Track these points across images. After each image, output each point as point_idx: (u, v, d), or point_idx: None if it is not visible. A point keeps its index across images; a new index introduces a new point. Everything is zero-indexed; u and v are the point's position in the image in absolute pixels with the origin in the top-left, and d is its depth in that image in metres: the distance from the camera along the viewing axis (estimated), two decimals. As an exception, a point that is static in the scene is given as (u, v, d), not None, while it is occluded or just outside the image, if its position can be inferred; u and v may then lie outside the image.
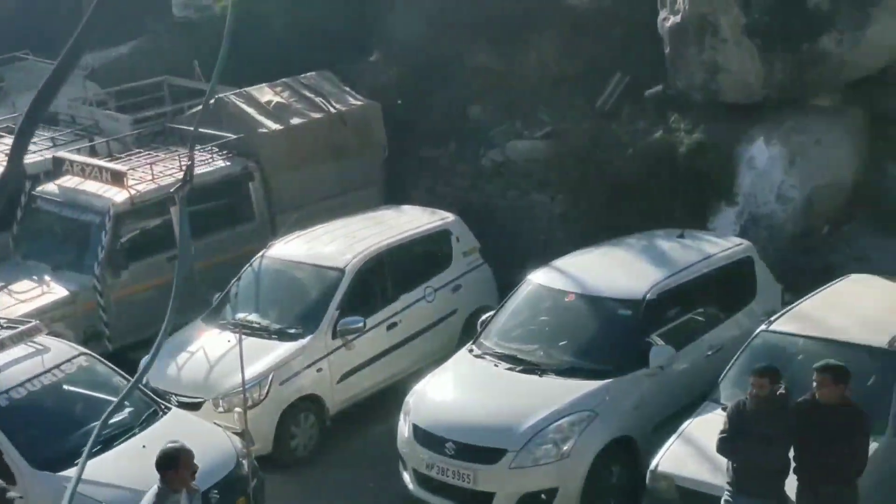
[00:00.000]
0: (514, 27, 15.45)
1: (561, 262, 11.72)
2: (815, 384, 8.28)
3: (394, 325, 12.31)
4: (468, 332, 12.27)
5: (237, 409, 10.53)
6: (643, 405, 10.18)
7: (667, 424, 9.99)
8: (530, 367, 10.47)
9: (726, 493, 8.48)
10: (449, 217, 13.58)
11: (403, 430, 10.43)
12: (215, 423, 10.35)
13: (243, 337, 9.99)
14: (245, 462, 9.49)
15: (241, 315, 12.07)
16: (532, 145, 15.03)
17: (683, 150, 13.36)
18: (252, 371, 10.86)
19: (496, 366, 10.64)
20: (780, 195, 13.00)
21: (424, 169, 15.83)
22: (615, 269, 11.40)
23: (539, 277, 11.46)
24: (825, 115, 13.46)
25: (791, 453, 8.31)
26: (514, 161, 15.10)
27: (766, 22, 12.85)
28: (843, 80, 13.21)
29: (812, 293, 10.76)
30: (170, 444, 7.51)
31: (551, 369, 10.39)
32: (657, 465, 9.18)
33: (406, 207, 14.15)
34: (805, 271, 12.53)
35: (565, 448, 9.59)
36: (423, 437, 10.13)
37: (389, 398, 11.80)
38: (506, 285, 12.62)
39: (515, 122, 15.54)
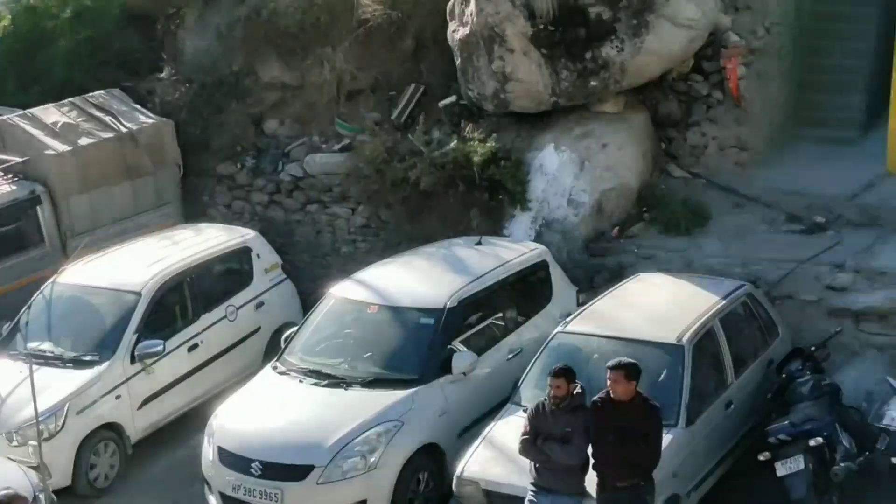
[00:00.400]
0: (306, 41, 15.39)
1: (363, 274, 11.76)
2: (609, 381, 8.55)
3: (195, 346, 12.10)
4: (273, 349, 12.16)
5: (31, 442, 10.11)
6: (448, 412, 10.30)
7: (472, 429, 10.17)
8: (335, 381, 10.46)
9: (530, 492, 8.68)
10: (249, 234, 13.47)
11: (208, 452, 10.25)
12: (9, 458, 9.94)
13: (36, 367, 9.64)
14: (42, 496, 9.13)
15: (32, 344, 11.59)
16: (330, 158, 15.01)
17: (478, 158, 13.56)
18: (46, 402, 10.50)
19: (301, 381, 10.59)
20: (572, 200, 13.34)
21: (222, 186, 15.61)
22: (416, 279, 11.52)
23: (341, 290, 11.47)
24: (610, 121, 13.88)
25: (590, 450, 8.56)
26: (313, 175, 15.05)
27: (550, 32, 13.17)
28: (625, 87, 13.65)
29: (604, 293, 11.15)
30: (2, 492, 7.23)
31: (356, 382, 10.40)
32: (462, 471, 9.31)
33: (204, 226, 13.96)
34: (598, 272, 12.96)
35: (372, 459, 9.61)
36: (229, 458, 9.97)
37: (193, 421, 11.59)
38: (310, 300, 12.60)
39: (312, 136, 15.51)
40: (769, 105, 14.66)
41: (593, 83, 13.39)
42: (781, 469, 9.51)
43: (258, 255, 13.20)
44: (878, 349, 11.50)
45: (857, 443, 9.90)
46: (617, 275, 12.48)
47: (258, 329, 12.85)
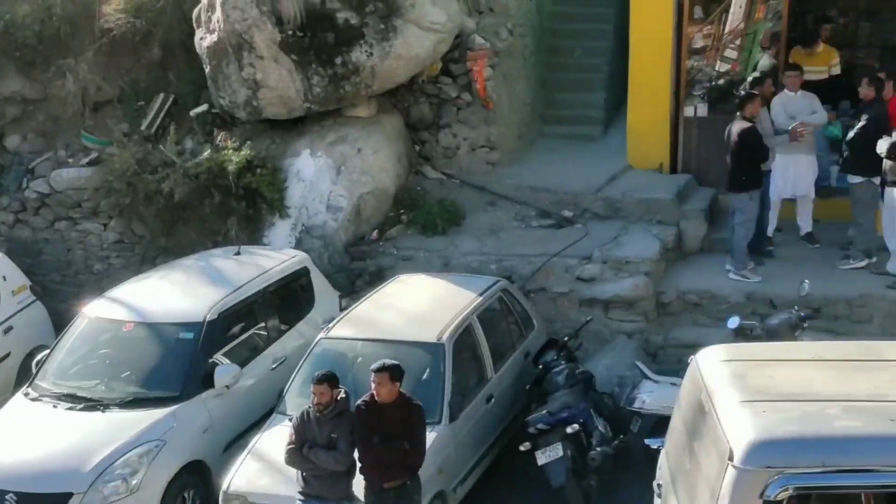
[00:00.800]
0: (46, 52, 14.79)
1: (118, 292, 11.41)
2: (373, 384, 8.62)
3: (-61, 377, 11.48)
4: (24, 375, 11.63)
5: None
6: (213, 427, 10.12)
7: (238, 443, 10.05)
8: (92, 404, 10.07)
9: (298, 501, 8.65)
10: (-8, 255, 12.87)
11: (-43, 488, 9.72)
12: None
13: None
14: None
15: None
16: (78, 173, 14.49)
17: (233, 167, 13.41)
18: None
19: (55, 407, 10.14)
20: (330, 205, 13.38)
21: (-39, 207, 14.85)
22: (174, 293, 11.26)
23: (95, 309, 11.08)
24: (364, 125, 13.98)
25: (356, 454, 8.62)
26: (60, 191, 14.49)
27: (299, 38, 13.16)
28: (377, 91, 13.77)
29: (365, 297, 11.23)
30: None
31: (114, 403, 10.05)
32: (229, 486, 9.16)
33: (-59, 250, 13.24)
34: (359, 276, 13.06)
35: (134, 482, 9.31)
36: (-21, 492, 9.49)
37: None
38: (62, 321, 12.13)
39: (58, 151, 14.93)
40: (516, 105, 15.13)
41: (345, 88, 13.48)
42: (541, 458, 9.81)
43: (4, 278, 12.59)
44: (627, 335, 12.08)
45: (611, 427, 10.34)
46: (378, 277, 12.62)
47: (7, 355, 12.26)
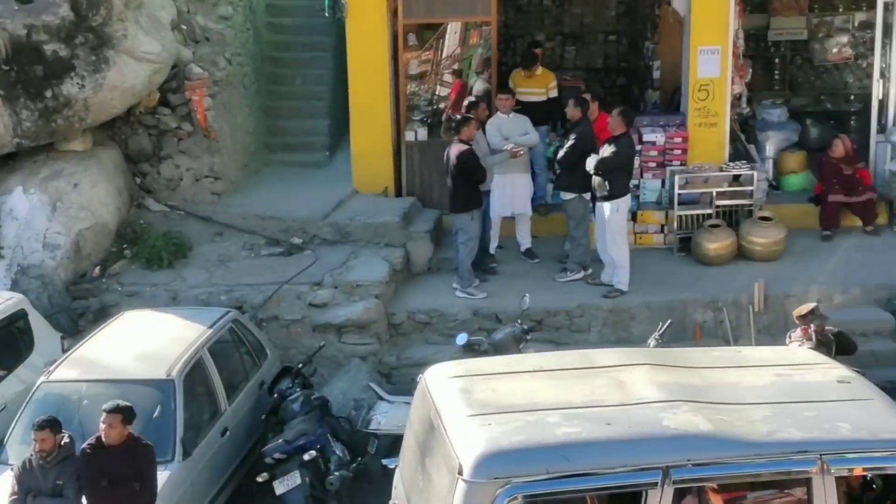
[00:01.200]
0: None
1: None
2: (104, 426, 8.37)
3: None
4: None
5: None
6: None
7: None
8: None
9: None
10: None
11: None
12: None
13: None
14: None
15: None
16: None
17: (-62, 209, 12.72)
18: None
19: None
20: (47, 243, 12.85)
21: None
22: None
23: None
24: (80, 159, 13.53)
25: (84, 500, 8.33)
26: None
27: (6, 71, 12.63)
28: (91, 123, 13.38)
29: (89, 336, 10.85)
30: None
31: None
32: (-54, 546, 8.67)
33: None
34: (83, 315, 12.60)
35: None
36: None
37: None
38: None
39: None
40: (239, 134, 15.05)
41: (57, 122, 13.02)
42: (280, 487, 9.77)
43: None
44: (361, 358, 12.21)
45: (349, 450, 10.40)
46: (102, 315, 12.20)
47: None
